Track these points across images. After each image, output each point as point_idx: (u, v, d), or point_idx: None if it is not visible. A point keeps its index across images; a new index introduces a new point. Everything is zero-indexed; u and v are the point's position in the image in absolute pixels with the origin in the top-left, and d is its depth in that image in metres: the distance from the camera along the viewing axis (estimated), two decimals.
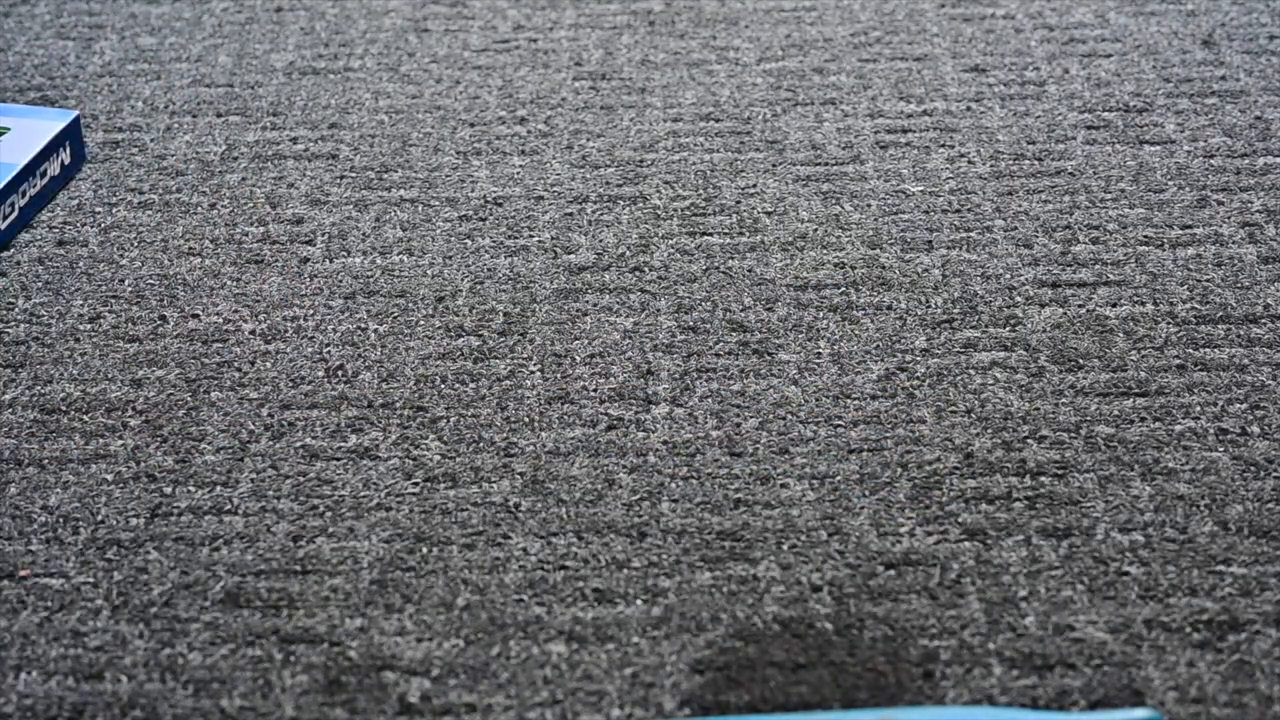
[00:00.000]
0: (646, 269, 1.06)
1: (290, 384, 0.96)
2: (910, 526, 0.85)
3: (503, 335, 1.00)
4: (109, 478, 0.90)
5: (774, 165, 1.16)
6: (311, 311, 1.02)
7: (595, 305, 1.03)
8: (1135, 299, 1.02)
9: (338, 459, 0.91)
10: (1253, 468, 0.88)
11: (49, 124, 1.15)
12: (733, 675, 0.77)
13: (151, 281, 1.06)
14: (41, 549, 0.85)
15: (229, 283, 1.05)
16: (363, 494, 0.88)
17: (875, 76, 1.27)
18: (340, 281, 1.05)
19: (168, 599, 0.82)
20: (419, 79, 1.28)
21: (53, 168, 1.14)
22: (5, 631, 0.80)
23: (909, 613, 0.80)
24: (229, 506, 0.87)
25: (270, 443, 0.92)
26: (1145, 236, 1.08)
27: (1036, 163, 1.16)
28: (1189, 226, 1.09)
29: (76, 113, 1.17)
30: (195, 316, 1.02)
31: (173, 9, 1.38)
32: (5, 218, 1.08)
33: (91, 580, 0.83)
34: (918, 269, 1.05)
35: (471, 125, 1.22)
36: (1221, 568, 0.82)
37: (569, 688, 0.76)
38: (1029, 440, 0.91)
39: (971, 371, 0.96)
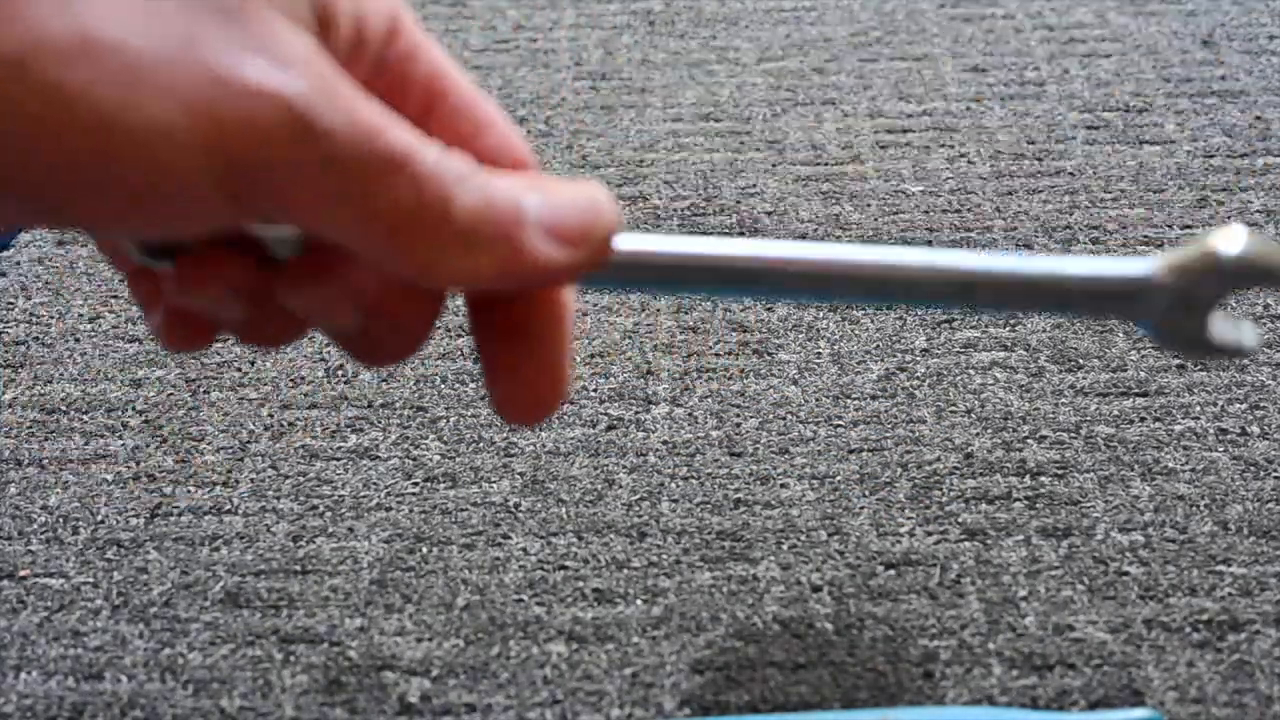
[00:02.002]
0: None
1: (290, 384, 0.96)
2: (910, 526, 0.85)
3: None
4: (109, 478, 0.90)
5: (774, 165, 1.16)
6: None
7: (595, 305, 1.03)
8: None
9: (338, 459, 0.91)
10: (1253, 468, 0.88)
11: None
12: (733, 675, 0.77)
13: None
14: (41, 549, 0.85)
15: None
16: (363, 494, 0.88)
17: (875, 76, 1.27)
18: None
19: (168, 599, 0.82)
20: None
21: None
22: (5, 631, 0.80)
23: (909, 613, 0.80)
24: (229, 506, 0.87)
25: (270, 443, 0.92)
26: (1145, 236, 1.08)
27: (1036, 162, 1.16)
28: (1189, 226, 1.09)
29: None
30: None
31: None
32: None
33: (91, 580, 0.83)
34: None
35: None
36: (1221, 568, 0.82)
37: (569, 688, 0.76)
38: (1029, 440, 0.91)
39: (971, 371, 0.96)
